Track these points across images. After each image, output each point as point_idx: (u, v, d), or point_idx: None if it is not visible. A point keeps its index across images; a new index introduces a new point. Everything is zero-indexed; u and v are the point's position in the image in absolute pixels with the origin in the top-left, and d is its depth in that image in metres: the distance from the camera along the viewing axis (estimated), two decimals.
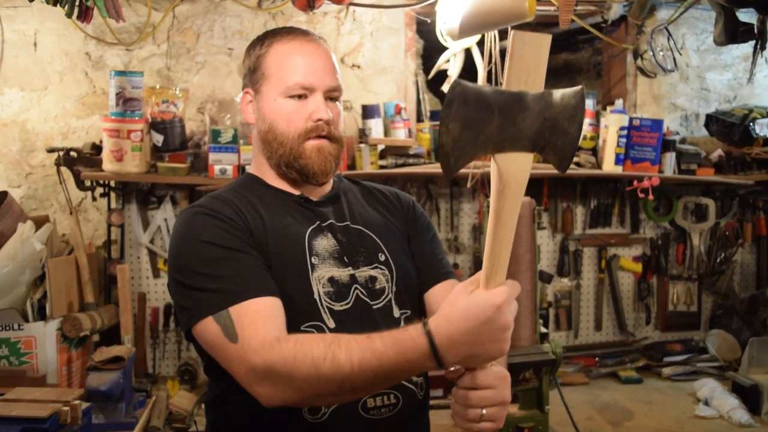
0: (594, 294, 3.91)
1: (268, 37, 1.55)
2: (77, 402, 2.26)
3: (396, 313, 1.51)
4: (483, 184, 3.39)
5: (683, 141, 3.83)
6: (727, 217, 3.97)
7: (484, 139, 1.07)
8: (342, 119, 1.54)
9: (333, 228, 1.51)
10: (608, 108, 3.65)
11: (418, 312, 1.54)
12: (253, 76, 1.55)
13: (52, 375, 3.07)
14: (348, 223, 1.54)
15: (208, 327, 1.30)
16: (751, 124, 3.59)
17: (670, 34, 3.35)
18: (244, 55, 1.57)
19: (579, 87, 1.11)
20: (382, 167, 3.50)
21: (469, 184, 3.36)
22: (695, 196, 3.91)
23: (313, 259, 1.45)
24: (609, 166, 3.51)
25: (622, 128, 3.46)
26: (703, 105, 4.01)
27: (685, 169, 3.66)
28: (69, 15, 2.46)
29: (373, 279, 1.46)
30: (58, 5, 2.34)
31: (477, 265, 3.69)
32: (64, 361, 3.12)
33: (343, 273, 1.44)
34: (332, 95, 1.52)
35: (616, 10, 3.60)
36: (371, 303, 1.43)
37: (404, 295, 1.50)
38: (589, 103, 3.75)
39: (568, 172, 3.51)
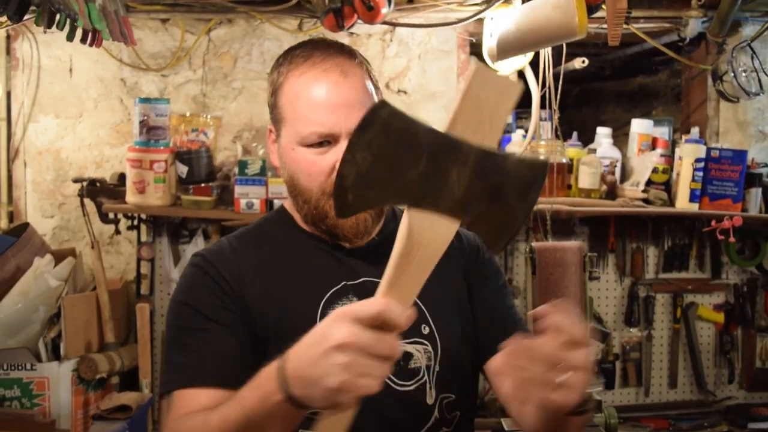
0: (668, 346, 3.46)
1: (285, 61, 1.30)
2: None
3: (430, 399, 1.23)
4: (536, 222, 3.04)
5: None
6: None
7: (400, 185, 0.84)
8: None
9: (363, 288, 1.26)
10: (684, 137, 3.24)
11: (469, 395, 1.31)
12: (272, 114, 1.33)
13: (65, 419, 2.89)
14: None
15: (163, 404, 1.25)
16: None
17: (754, 53, 2.93)
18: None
19: (543, 159, 0.86)
20: None
21: None
22: None
23: None
24: (683, 204, 3.08)
25: (697, 160, 3.04)
26: None
27: None
28: (70, 38, 2.30)
29: (407, 356, 1.20)
30: (54, 27, 2.16)
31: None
32: (79, 404, 2.95)
33: None
34: None
35: (693, 27, 3.19)
36: (395, 385, 1.19)
37: (449, 375, 1.24)
38: (664, 131, 3.35)
39: (636, 209, 3.13)
